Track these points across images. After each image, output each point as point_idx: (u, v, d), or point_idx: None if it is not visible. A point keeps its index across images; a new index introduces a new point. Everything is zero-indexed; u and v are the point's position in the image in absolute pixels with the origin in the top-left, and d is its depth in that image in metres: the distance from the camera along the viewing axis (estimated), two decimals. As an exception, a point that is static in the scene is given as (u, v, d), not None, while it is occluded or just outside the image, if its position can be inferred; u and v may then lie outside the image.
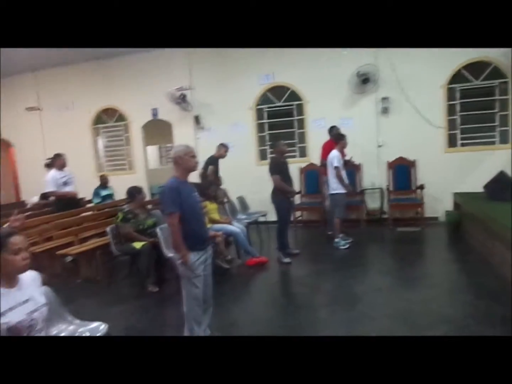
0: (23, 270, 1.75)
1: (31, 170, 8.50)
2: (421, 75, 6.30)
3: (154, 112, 7.75)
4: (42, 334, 1.80)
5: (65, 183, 5.75)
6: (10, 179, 9.76)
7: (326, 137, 6.09)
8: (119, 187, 6.67)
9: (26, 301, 1.74)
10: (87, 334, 2.34)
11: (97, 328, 2.36)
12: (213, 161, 5.64)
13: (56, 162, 5.77)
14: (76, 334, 2.35)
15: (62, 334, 2.30)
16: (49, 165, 8.32)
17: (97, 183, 7.02)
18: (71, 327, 2.36)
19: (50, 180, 5.63)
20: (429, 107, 6.35)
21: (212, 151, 5.86)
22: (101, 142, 8.47)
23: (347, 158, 5.77)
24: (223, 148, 5.81)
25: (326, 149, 5.75)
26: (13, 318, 1.66)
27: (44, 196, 7.78)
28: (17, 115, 8.47)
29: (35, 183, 8.32)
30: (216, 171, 5.66)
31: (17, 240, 1.74)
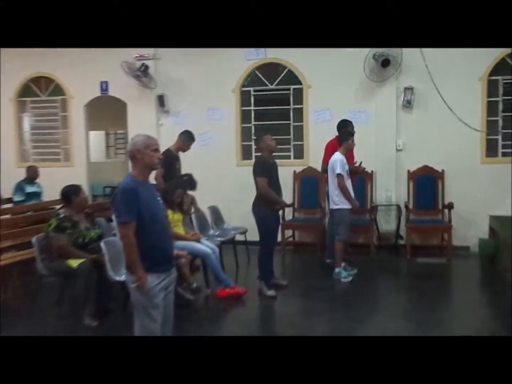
0: None
1: None
2: (456, 62, 6.58)
3: (104, 87, 7.81)
4: None
5: None
6: None
7: (330, 134, 6.25)
8: (49, 184, 6.68)
9: None
10: None
11: None
12: (168, 157, 5.38)
13: None
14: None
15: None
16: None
17: (17, 176, 7.00)
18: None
19: None
20: (465, 103, 6.64)
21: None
22: (27, 121, 8.45)
23: (356, 164, 5.95)
24: (184, 138, 5.83)
25: (330, 151, 5.86)
26: None
27: None
28: None
29: None
30: (170, 172, 5.53)
31: None
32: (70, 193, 4.51)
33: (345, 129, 5.81)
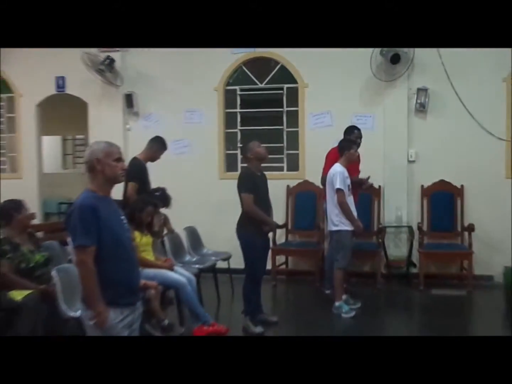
0: None
1: None
2: (477, 60, 6.65)
3: (60, 83, 7.81)
4: None
5: None
6: None
7: (330, 141, 6.32)
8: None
9: None
10: None
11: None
12: (136, 168, 5.52)
13: None
14: None
15: None
16: None
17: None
18: None
19: None
20: (487, 108, 6.74)
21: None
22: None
23: (361, 176, 6.00)
24: (154, 145, 5.85)
25: (332, 161, 5.85)
26: None
27: None
28: None
29: None
30: (143, 186, 5.59)
31: None
32: (10, 210, 4.47)
33: (348, 137, 5.88)
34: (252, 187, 4.89)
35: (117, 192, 3.56)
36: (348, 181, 5.47)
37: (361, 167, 6.08)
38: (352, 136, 5.94)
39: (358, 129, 6.10)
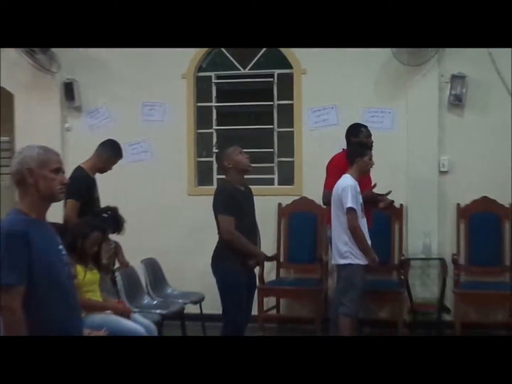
0: None
1: None
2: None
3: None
4: None
5: None
6: None
7: (336, 146, 6.38)
8: None
9: None
10: None
11: None
12: (78, 181, 5.54)
13: None
14: None
15: None
16: None
17: None
18: None
19: None
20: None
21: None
22: None
23: (375, 190, 5.97)
24: (105, 151, 5.89)
25: (336, 171, 5.85)
26: None
27: None
28: None
29: None
30: (88, 205, 5.64)
31: None
32: None
33: (358, 140, 5.88)
34: (233, 206, 4.94)
35: (54, 213, 3.60)
36: (361, 199, 5.44)
37: (374, 179, 5.96)
38: (360, 137, 5.93)
39: (366, 127, 6.09)
